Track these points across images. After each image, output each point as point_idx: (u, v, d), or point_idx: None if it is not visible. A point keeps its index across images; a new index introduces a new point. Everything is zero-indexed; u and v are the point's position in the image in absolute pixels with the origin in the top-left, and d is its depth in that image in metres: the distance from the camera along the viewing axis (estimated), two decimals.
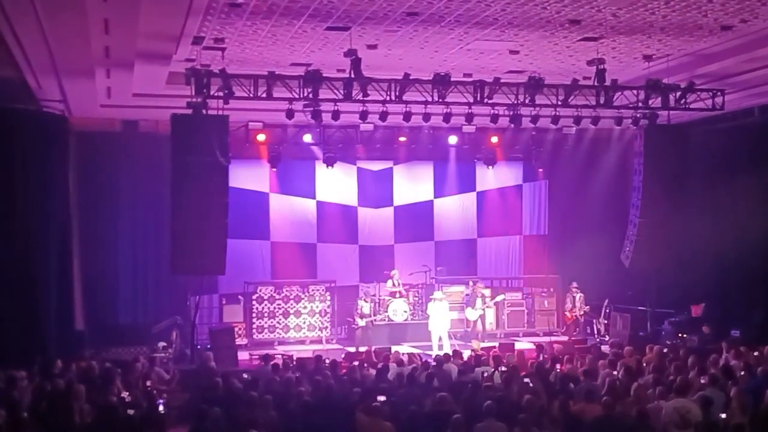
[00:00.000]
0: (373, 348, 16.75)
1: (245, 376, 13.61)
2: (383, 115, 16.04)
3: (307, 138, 20.03)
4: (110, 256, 19.31)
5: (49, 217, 16.78)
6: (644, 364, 13.75)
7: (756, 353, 14.03)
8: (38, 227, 16.48)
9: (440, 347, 18.42)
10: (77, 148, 18.53)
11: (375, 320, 20.01)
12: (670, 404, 10.30)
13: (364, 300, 20.01)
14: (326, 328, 20.76)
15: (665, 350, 15.13)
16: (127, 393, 12.07)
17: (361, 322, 19.55)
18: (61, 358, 14.10)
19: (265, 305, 20.55)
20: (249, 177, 21.18)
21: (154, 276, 19.51)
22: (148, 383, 13.36)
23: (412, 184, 23.19)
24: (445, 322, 19.07)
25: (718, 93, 16.31)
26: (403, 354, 15.69)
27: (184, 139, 15.07)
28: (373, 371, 13.63)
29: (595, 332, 20.80)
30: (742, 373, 12.79)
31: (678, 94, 16.09)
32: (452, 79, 15.32)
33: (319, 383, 12.15)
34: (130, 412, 10.83)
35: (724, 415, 10.67)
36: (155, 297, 19.68)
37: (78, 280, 18.27)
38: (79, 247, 18.54)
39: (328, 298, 20.87)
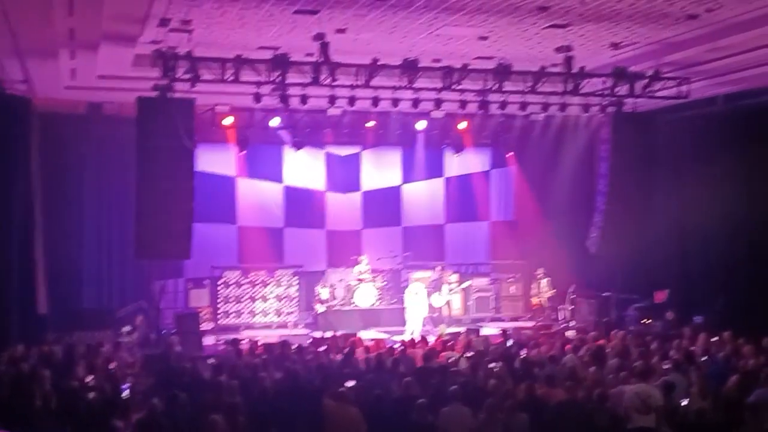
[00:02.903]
0: (338, 333, 16.80)
1: (210, 361, 13.60)
2: (351, 100, 16.00)
3: (275, 122, 19.97)
4: (74, 240, 19.13)
5: (11, 199, 16.60)
6: (608, 350, 13.91)
7: (717, 338, 14.25)
8: (0, 209, 16.29)
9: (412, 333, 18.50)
10: (41, 130, 18.28)
11: (334, 306, 19.94)
12: (632, 389, 10.44)
13: (322, 286, 19.98)
14: (293, 313, 20.78)
15: (629, 335, 15.32)
16: (92, 377, 12.01)
17: (321, 308, 19.62)
18: (23, 342, 13.98)
19: (232, 290, 20.52)
20: (216, 161, 21.07)
21: (119, 260, 19.37)
22: (113, 367, 13.30)
23: (380, 170, 23.19)
24: (424, 310, 19.13)
25: (684, 81, 16.47)
26: (369, 340, 15.75)
27: (150, 122, 14.96)
28: (339, 356, 13.68)
29: (561, 318, 21.03)
30: (704, 358, 13.00)
31: (644, 82, 16.25)
32: (421, 65, 15.32)
33: (286, 368, 12.18)
34: (92, 395, 10.79)
35: (685, 401, 10.85)
36: (120, 281, 19.56)
37: (41, 264, 18.09)
38: (43, 230, 18.34)
39: (295, 283, 20.88)
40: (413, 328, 18.87)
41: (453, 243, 23.64)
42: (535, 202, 22.87)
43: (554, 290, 20.95)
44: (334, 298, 20.41)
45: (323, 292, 19.92)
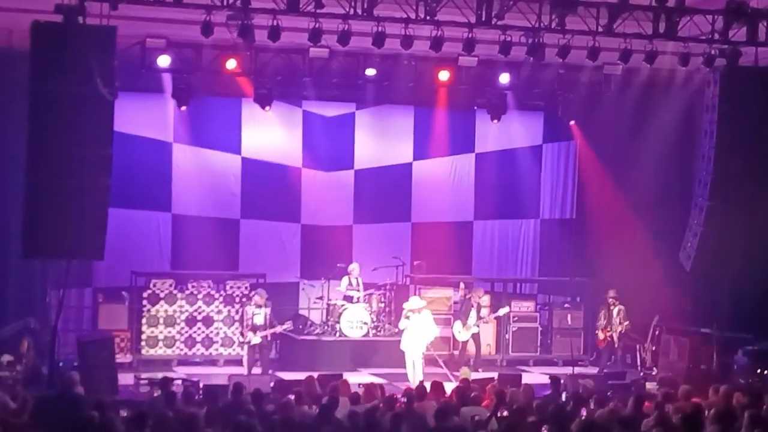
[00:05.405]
0: (316, 374, 16.76)
1: (123, 413, 13.58)
2: (344, 36, 15.97)
3: (231, 65, 19.90)
4: None
5: None
6: (706, 411, 13.87)
7: None
8: None
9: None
10: None
11: (272, 333, 19.31)
12: None
13: (256, 305, 19.40)
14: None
15: (737, 392, 15.27)
16: None
17: (255, 339, 19.10)
18: None
19: (162, 307, 20.54)
20: (144, 119, 21.08)
21: None
22: None
23: (382, 139, 23.22)
24: (423, 341, 19.04)
25: None
26: (359, 385, 15.73)
27: (50, 59, 14.96)
28: (315, 408, 13.67)
29: (639, 363, 21.01)
30: None
31: None
32: None
33: (237, 424, 12.15)
34: None
35: None
36: None
37: None
38: None
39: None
40: (418, 368, 18.79)
41: (484, 249, 23.69)
42: (605, 193, 22.81)
43: (629, 324, 20.87)
44: (272, 326, 19.49)
45: (257, 315, 19.29)
